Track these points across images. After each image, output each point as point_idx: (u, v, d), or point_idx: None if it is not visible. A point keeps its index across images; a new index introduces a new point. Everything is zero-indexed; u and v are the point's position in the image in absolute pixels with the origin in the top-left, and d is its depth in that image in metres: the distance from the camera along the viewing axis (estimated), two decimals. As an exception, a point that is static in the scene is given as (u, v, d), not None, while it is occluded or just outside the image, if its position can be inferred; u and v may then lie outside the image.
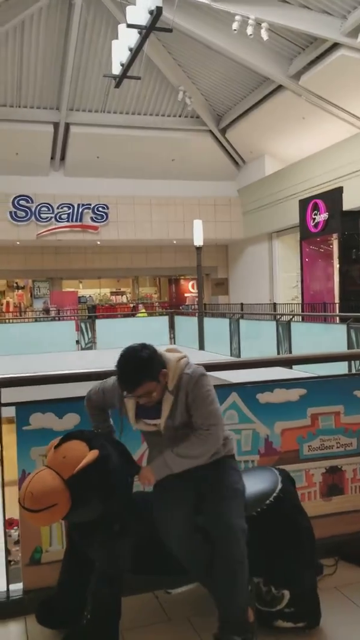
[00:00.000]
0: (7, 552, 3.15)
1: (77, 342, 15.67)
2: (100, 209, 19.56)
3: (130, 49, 10.16)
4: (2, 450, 2.74)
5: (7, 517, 3.02)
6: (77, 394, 2.78)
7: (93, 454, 2.21)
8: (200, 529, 2.28)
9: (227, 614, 2.23)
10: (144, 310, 21.00)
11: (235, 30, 12.63)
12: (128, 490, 2.39)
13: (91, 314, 19.51)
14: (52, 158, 19.23)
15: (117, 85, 12.20)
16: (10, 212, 18.49)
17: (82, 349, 15.61)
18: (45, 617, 2.45)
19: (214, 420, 2.33)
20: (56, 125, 17.95)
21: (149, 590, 2.68)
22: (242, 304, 18.98)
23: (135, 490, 2.49)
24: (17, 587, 2.70)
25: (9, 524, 3.67)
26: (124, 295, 27.00)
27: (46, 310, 21.99)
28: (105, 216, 19.63)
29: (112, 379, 2.46)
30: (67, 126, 18.08)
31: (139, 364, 2.24)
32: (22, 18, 14.43)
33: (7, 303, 24.39)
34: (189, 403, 2.31)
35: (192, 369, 2.36)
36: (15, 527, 3.78)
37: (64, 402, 2.83)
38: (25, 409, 2.76)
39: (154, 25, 9.01)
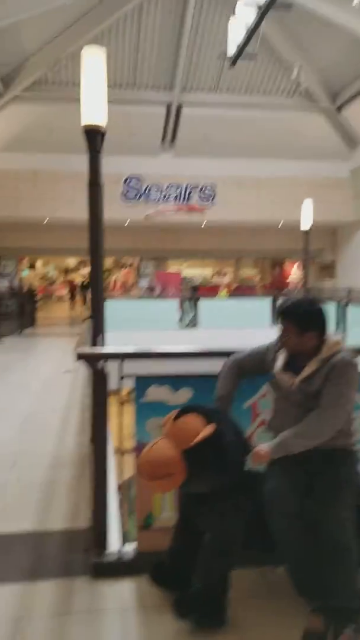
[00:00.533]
0: (121, 515, 3.34)
1: (180, 320, 15.96)
2: (207, 189, 19.64)
3: (247, 27, 10.03)
4: (118, 420, 2.89)
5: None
6: (189, 372, 2.89)
7: (210, 428, 2.29)
8: (307, 514, 2.30)
9: (338, 601, 2.24)
10: (224, 292, 20.90)
11: (355, 3, 12.08)
12: (241, 466, 2.45)
13: (193, 293, 19.74)
14: (162, 139, 19.51)
15: (233, 64, 12.10)
16: (122, 192, 19.04)
17: (185, 327, 15.87)
18: (157, 579, 2.60)
19: (341, 402, 2.36)
20: (169, 105, 18.16)
21: (257, 565, 2.75)
22: (349, 289, 18.38)
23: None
24: (130, 548, 2.87)
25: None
26: (226, 276, 27.06)
27: (151, 289, 22.52)
28: (212, 197, 19.68)
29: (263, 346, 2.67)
30: (179, 106, 18.24)
31: (312, 307, 2.45)
32: (140, 0, 14.65)
33: (115, 281, 25.27)
34: (329, 379, 2.37)
35: (348, 354, 2.46)
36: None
37: (179, 377, 2.93)
38: (143, 381, 2.89)
39: (274, 2, 8.82)
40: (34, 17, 14.10)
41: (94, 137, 4.48)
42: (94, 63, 4.53)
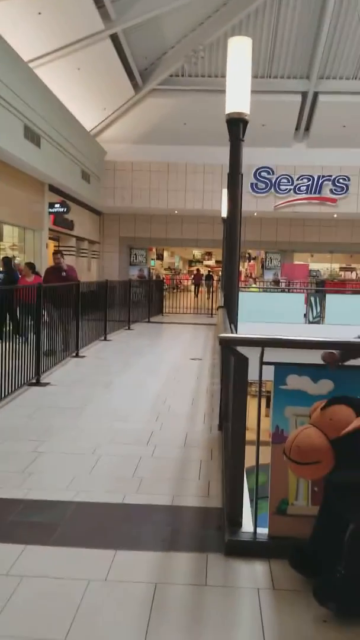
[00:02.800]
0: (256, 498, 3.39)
1: (305, 315, 15.66)
2: (341, 180, 19.03)
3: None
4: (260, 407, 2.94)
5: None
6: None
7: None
8: None
9: None
10: None
11: None
12: None
13: (319, 288, 19.28)
14: (296, 129, 19.18)
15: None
16: (251, 184, 19.01)
17: (310, 322, 15.56)
18: (296, 563, 2.62)
19: None
20: (304, 94, 17.81)
21: None
22: None
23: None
24: (263, 531, 2.92)
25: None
26: (354, 272, 26.05)
27: (276, 282, 22.30)
28: (345, 188, 19.05)
29: None
30: (315, 95, 17.83)
31: None
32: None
33: (239, 273, 25.35)
34: None
35: None
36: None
37: (320, 368, 2.91)
38: (283, 369, 2.91)
39: None
40: (174, 10, 14.43)
41: (237, 125, 4.52)
42: (239, 52, 4.56)
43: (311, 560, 2.57)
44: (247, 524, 3.03)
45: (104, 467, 4.15)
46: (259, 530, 2.93)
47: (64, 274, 9.49)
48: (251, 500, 3.47)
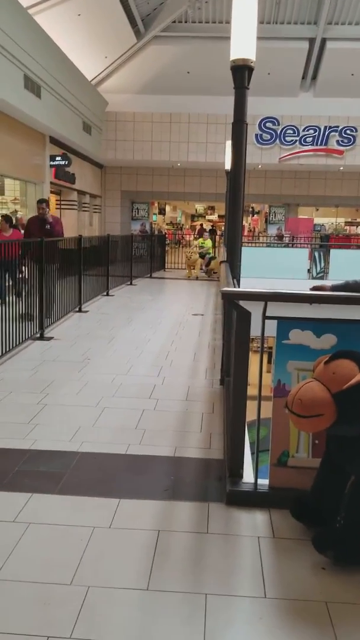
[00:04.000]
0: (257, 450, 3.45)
1: (309, 270, 15.59)
2: (348, 131, 18.60)
3: None
4: (264, 358, 2.96)
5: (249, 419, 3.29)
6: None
7: (363, 374, 2.28)
8: None
9: None
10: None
11: None
12: None
13: (324, 243, 19.12)
14: (303, 77, 18.63)
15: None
16: (256, 135, 18.60)
17: (313, 277, 15.49)
18: (298, 513, 2.69)
19: None
20: (312, 41, 17.23)
21: None
22: None
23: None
24: (264, 482, 2.99)
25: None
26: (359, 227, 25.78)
27: (279, 237, 22.09)
28: (352, 139, 18.63)
29: None
30: (323, 42, 17.23)
31: None
32: None
33: (242, 227, 25.08)
34: None
35: None
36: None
37: (323, 323, 2.91)
38: (286, 324, 2.91)
39: None
40: None
41: (242, 72, 4.39)
42: (246, -4, 4.39)
43: (312, 510, 2.63)
44: (248, 476, 3.10)
45: (107, 419, 4.22)
46: (259, 481, 2.99)
47: (48, 226, 8.30)
48: (252, 453, 3.54)
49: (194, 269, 16.41)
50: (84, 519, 2.76)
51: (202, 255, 16.75)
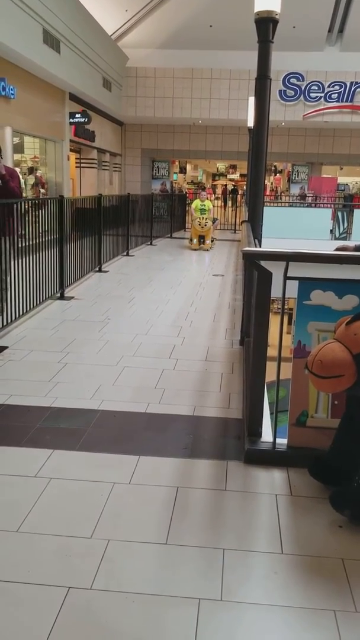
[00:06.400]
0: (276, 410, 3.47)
1: (331, 231, 15.33)
2: (376, 87, 17.97)
3: None
4: (284, 320, 2.93)
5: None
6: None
7: (385, 335, 2.24)
8: None
9: None
10: None
11: None
12: None
13: (347, 203, 18.73)
14: (329, 31, 17.92)
15: None
16: (280, 91, 18.08)
17: (336, 238, 15.24)
18: (316, 472, 2.71)
19: None
20: (339, -9, 16.48)
21: None
22: None
23: None
24: (282, 441, 3.00)
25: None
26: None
27: (302, 197, 21.67)
28: (380, 96, 18.01)
29: None
30: (351, -9, 16.50)
31: None
32: None
33: (265, 186, 24.63)
34: None
35: None
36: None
37: (345, 283, 2.86)
38: (308, 284, 2.87)
39: None
40: None
41: (266, 25, 4.23)
42: None
43: (330, 469, 2.64)
44: (267, 435, 3.11)
45: (127, 378, 4.25)
46: (278, 440, 3.01)
47: None
48: (271, 413, 3.55)
49: (203, 240, 13.28)
50: (104, 475, 2.81)
51: (212, 221, 13.90)
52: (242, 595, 2.03)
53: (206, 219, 13.26)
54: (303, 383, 2.87)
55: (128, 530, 2.38)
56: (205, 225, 13.22)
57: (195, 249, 13.13)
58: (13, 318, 5.35)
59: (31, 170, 14.16)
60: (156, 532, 2.37)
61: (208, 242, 13.30)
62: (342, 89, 18.10)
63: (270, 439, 3.02)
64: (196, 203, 13.83)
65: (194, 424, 3.49)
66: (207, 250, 13.11)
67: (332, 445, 2.65)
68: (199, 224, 13.19)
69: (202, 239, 13.28)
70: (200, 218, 13.26)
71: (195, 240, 13.30)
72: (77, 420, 3.45)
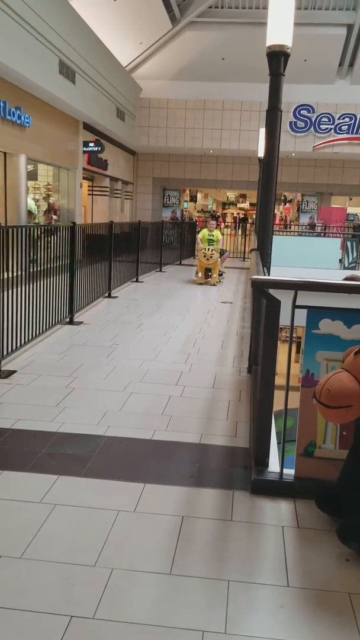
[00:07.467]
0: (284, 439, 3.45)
1: (340, 260, 15.37)
2: (385, 120, 18.19)
3: None
4: (293, 347, 2.93)
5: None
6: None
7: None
8: None
9: None
10: None
11: None
12: None
13: (357, 233, 18.79)
14: (339, 65, 18.24)
15: None
16: (290, 123, 18.33)
17: (345, 268, 15.28)
18: (323, 503, 2.68)
19: None
20: (350, 27, 16.84)
21: None
22: None
23: None
24: (290, 472, 2.97)
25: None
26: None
27: (311, 226, 21.78)
28: (390, 128, 18.22)
29: None
30: (361, 28, 16.84)
31: None
32: None
33: (274, 216, 24.80)
34: None
35: None
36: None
37: (354, 313, 2.87)
38: (316, 313, 2.87)
39: None
40: None
41: (278, 58, 4.32)
42: (283, -20, 4.30)
43: (337, 501, 2.61)
44: (274, 465, 3.08)
45: (134, 404, 4.25)
46: (285, 470, 2.98)
47: None
48: (278, 443, 3.52)
49: (210, 274, 11.88)
50: (109, 502, 2.79)
51: (221, 253, 12.49)
52: (246, 628, 2.00)
53: (213, 250, 11.79)
54: (311, 413, 2.86)
55: (132, 559, 2.35)
56: (212, 257, 11.73)
57: (200, 283, 11.77)
58: (22, 342, 5.38)
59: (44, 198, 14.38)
60: (160, 562, 2.34)
61: (215, 275, 11.91)
62: (352, 121, 18.34)
63: (278, 469, 3.00)
64: (203, 233, 12.47)
65: (200, 452, 3.47)
66: (214, 285, 11.80)
67: (340, 476, 2.62)
68: (204, 256, 11.74)
69: (208, 271, 11.94)
70: (206, 249, 11.82)
71: (201, 274, 11.88)
72: (83, 446, 3.44)
